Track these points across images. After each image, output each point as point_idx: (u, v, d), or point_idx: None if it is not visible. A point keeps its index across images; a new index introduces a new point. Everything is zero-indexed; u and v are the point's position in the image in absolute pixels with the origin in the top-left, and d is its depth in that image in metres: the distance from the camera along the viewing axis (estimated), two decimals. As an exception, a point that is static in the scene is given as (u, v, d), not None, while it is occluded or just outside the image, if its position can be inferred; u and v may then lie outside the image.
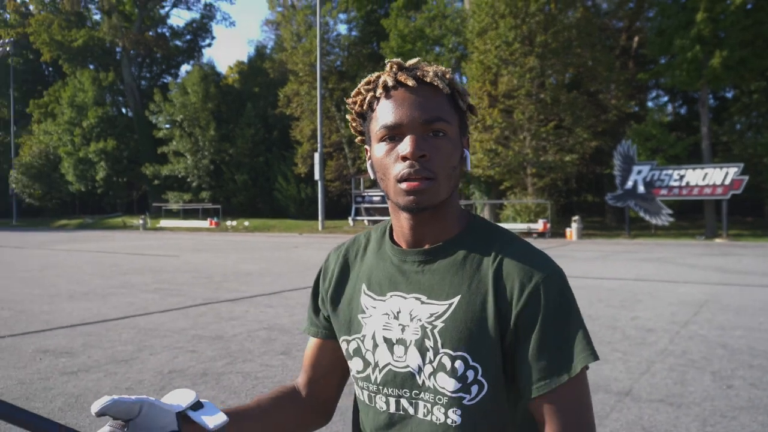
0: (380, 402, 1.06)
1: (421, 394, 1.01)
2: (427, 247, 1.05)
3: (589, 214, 35.71)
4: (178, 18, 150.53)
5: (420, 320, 1.01)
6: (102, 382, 4.72)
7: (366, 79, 1.07)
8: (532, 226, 27.64)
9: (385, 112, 1.00)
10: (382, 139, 1.00)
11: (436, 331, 0.99)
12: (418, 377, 1.01)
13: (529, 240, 23.36)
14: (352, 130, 1.13)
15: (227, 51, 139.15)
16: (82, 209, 55.40)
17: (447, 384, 0.98)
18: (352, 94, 1.09)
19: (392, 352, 1.03)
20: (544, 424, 0.95)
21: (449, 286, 1.01)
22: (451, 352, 0.98)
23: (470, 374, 0.97)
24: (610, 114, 29.40)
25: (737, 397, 4.37)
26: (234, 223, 38.85)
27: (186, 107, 43.67)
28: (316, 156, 34.68)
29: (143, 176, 47.04)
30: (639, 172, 27.00)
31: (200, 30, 55.72)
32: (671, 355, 5.62)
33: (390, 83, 1.01)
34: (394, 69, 1.03)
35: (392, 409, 1.04)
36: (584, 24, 28.58)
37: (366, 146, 1.10)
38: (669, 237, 26.11)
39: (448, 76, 1.03)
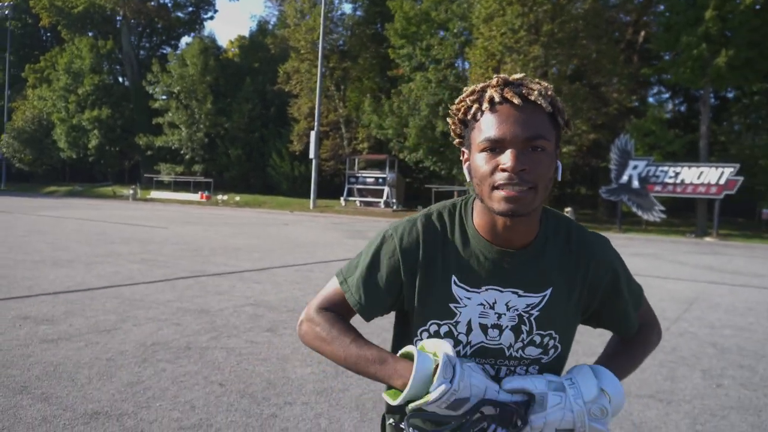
0: None
1: (506, 362, 1.21)
2: (519, 247, 1.19)
3: (581, 206, 35.71)
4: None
5: (517, 310, 1.20)
6: (82, 352, 4.61)
7: (471, 89, 1.17)
8: (526, 216, 27.60)
9: (490, 126, 1.10)
10: (483, 150, 1.11)
11: (532, 318, 1.20)
12: (506, 351, 1.21)
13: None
14: (452, 133, 1.24)
15: (229, 25, 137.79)
16: (72, 177, 54.97)
17: (533, 352, 1.22)
18: (457, 101, 1.19)
19: (486, 334, 1.20)
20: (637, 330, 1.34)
21: (541, 280, 1.20)
22: (542, 332, 1.21)
23: (551, 342, 1.23)
24: (610, 107, 29.28)
25: (727, 397, 4.32)
26: (225, 197, 38.67)
27: (184, 79, 43.23)
28: (312, 134, 34.47)
29: (136, 146, 46.67)
30: (635, 167, 26.97)
31: (202, 2, 55.04)
32: (661, 352, 5.56)
33: (497, 98, 1.10)
34: (500, 84, 1.12)
35: None
36: (592, 16, 28.35)
37: (464, 149, 1.20)
38: (659, 233, 26.16)
39: (550, 93, 1.13)
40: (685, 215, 30.71)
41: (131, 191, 40.93)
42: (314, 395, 3.92)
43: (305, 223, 23.14)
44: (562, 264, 1.22)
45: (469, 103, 1.15)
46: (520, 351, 1.21)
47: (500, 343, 1.20)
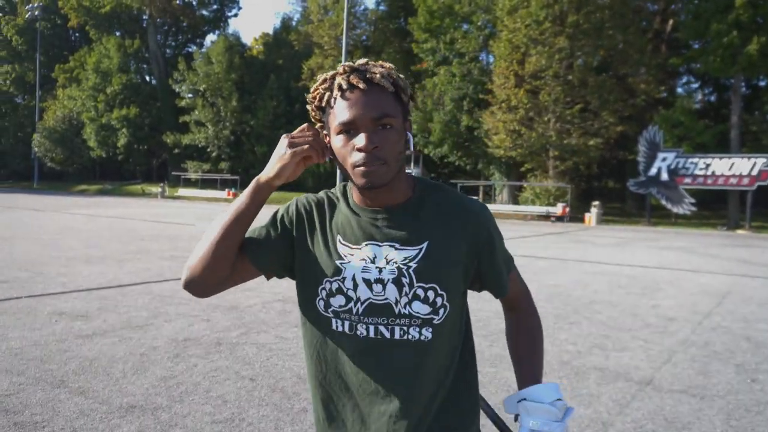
0: (361, 329, 1.29)
1: (397, 320, 1.27)
2: (391, 205, 1.30)
3: (609, 199, 35.24)
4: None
5: (396, 263, 1.27)
6: (117, 347, 4.70)
7: (322, 78, 1.28)
8: (551, 209, 27.37)
9: (341, 111, 1.22)
10: (339, 133, 1.23)
11: (411, 270, 1.27)
12: (395, 307, 1.27)
13: (547, 224, 23.31)
14: (312, 119, 1.34)
15: (253, 22, 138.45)
16: (102, 175, 55.83)
17: (421, 309, 1.27)
18: (312, 89, 1.30)
19: (371, 289, 1.28)
20: (508, 303, 1.51)
21: (417, 234, 1.29)
22: (424, 285, 1.27)
23: (438, 300, 1.28)
24: (638, 99, 28.77)
25: (762, 392, 4.24)
26: (252, 194, 38.89)
27: (209, 77, 43.58)
28: (337, 131, 34.49)
29: (164, 144, 47.19)
30: (664, 159, 26.53)
31: (227, 0, 55.41)
32: (693, 346, 5.49)
33: (344, 85, 1.22)
34: (347, 71, 1.24)
35: (371, 334, 1.28)
36: (618, 5, 27.84)
37: (324, 132, 1.31)
38: (690, 226, 25.70)
39: (392, 74, 1.25)
40: (716, 207, 30.11)
41: (159, 189, 41.44)
42: (344, 390, 3.94)
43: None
44: (440, 221, 1.31)
45: (322, 91, 1.27)
46: (408, 307, 1.27)
47: (386, 298, 1.27)
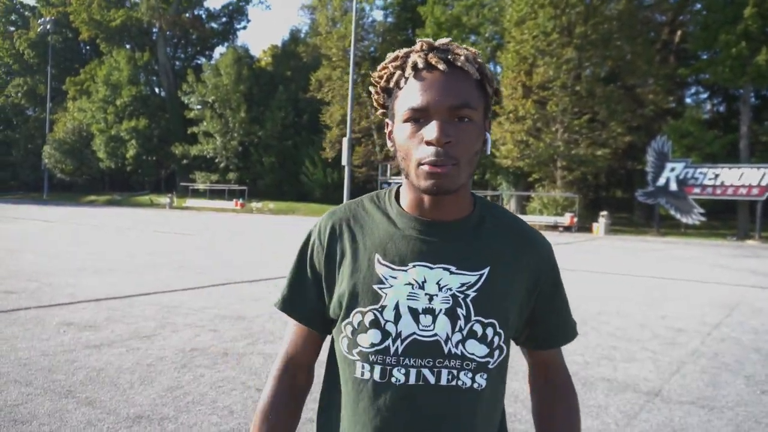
0: (398, 374, 1.04)
1: (446, 362, 1.03)
2: (448, 220, 1.08)
3: (617, 209, 35.11)
4: (215, 0, 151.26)
5: (450, 290, 1.04)
6: (124, 357, 4.71)
7: (394, 55, 1.07)
8: (559, 219, 27.29)
9: (413, 94, 1.00)
10: (407, 120, 1.01)
11: (468, 300, 1.04)
12: (444, 346, 1.03)
13: (555, 234, 23.18)
14: (375, 103, 1.12)
15: (262, 35, 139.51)
16: (111, 186, 56.21)
17: (477, 350, 1.04)
18: (379, 68, 1.09)
19: (418, 322, 1.03)
20: (546, 366, 1.22)
21: (478, 258, 1.07)
22: (483, 320, 1.04)
23: (496, 340, 1.06)
24: (646, 109, 28.78)
25: (773, 404, 4.20)
26: (259, 204, 39.08)
27: (218, 89, 43.92)
28: (345, 141, 34.59)
29: (172, 155, 47.52)
30: (672, 169, 26.45)
31: (236, 13, 55.93)
32: (702, 357, 5.44)
33: (420, 64, 1.01)
34: (424, 49, 1.04)
35: (412, 380, 1.03)
36: (626, 16, 27.92)
37: (387, 120, 1.10)
38: (699, 236, 25.56)
39: (479, 60, 1.04)
40: (726, 218, 29.94)
41: (168, 200, 41.66)
42: (350, 401, 3.93)
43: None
44: (502, 245, 1.10)
45: (392, 69, 1.06)
46: (460, 346, 1.03)
47: (435, 334, 1.03)
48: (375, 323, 1.04)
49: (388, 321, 1.04)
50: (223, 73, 44.08)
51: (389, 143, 1.09)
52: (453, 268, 1.05)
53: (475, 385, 1.05)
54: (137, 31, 53.70)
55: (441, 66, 1.00)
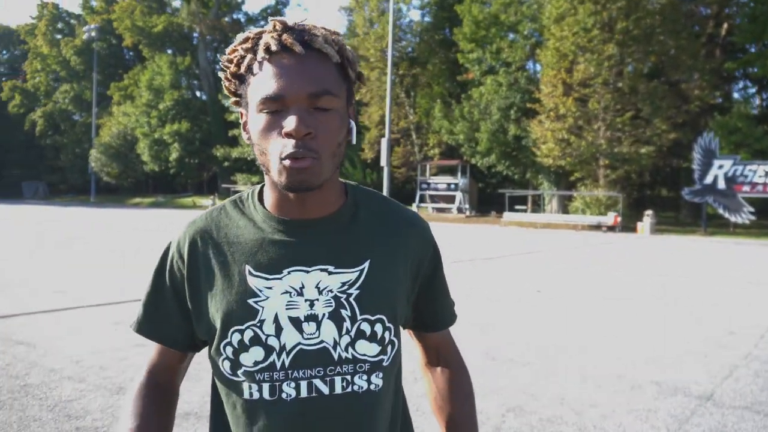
0: (288, 389, 0.96)
1: (338, 368, 0.97)
2: (318, 217, 1.00)
3: (662, 208, 34.33)
4: (254, 4, 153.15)
5: (332, 291, 0.97)
6: (171, 355, 4.80)
7: (244, 36, 0.96)
8: (602, 219, 26.80)
9: (266, 81, 0.90)
10: (261, 111, 0.92)
11: (351, 299, 0.98)
12: (333, 352, 0.96)
13: (598, 234, 22.74)
14: (226, 91, 1.00)
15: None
16: (155, 188, 57.51)
17: (368, 350, 0.98)
18: (228, 50, 0.98)
19: (302, 331, 0.96)
20: (436, 349, 1.19)
21: (355, 252, 1.00)
22: (370, 317, 0.98)
23: (386, 336, 1.00)
24: (691, 105, 28.01)
25: (834, 409, 4.03)
26: (300, 206, 39.38)
27: (257, 91, 44.52)
28: (384, 142, 34.65)
29: (214, 158, 48.31)
30: (720, 167, 25.71)
31: (274, 15, 56.43)
32: (756, 360, 5.26)
33: (273, 47, 0.91)
34: (278, 29, 0.93)
35: (303, 393, 0.96)
36: (669, 10, 27.26)
37: (241, 110, 1.00)
38: (749, 236, 24.77)
39: (338, 41, 0.95)
40: (777, 216, 28.99)
41: (210, 201, 42.38)
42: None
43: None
44: (380, 234, 1.03)
45: (242, 52, 0.94)
46: (350, 349, 0.97)
47: (322, 341, 0.96)
48: (255, 340, 0.96)
49: (270, 335, 0.96)
50: (263, 75, 44.66)
51: (245, 135, 0.99)
52: (331, 268, 0.98)
53: (372, 386, 0.99)
54: (178, 36, 54.79)
55: (297, 48, 0.90)
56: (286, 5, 56.34)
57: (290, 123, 0.88)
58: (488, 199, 38.57)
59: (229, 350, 0.97)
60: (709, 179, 25.96)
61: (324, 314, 0.96)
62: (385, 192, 34.86)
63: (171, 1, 56.42)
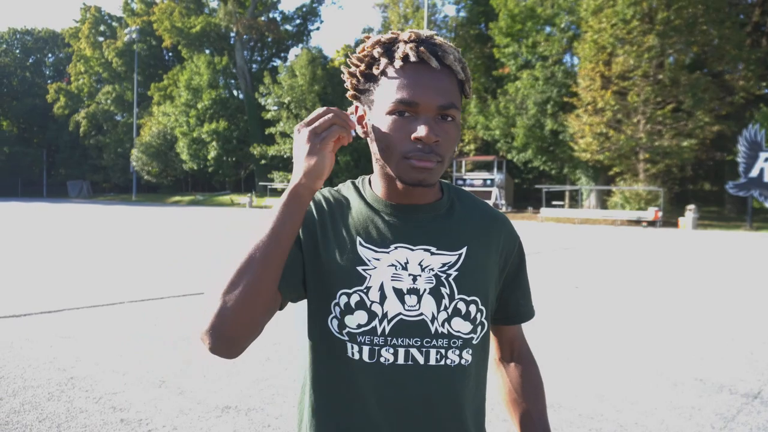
0: (387, 354, 1.04)
1: (433, 341, 1.05)
2: (425, 203, 1.11)
3: (705, 203, 33.49)
4: (289, 3, 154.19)
5: (433, 270, 1.06)
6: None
7: (375, 39, 1.07)
8: (642, 214, 26.28)
9: (402, 87, 1.00)
10: (392, 112, 1.01)
11: (451, 279, 1.07)
12: (430, 325, 1.05)
13: (638, 229, 22.38)
14: (348, 86, 1.11)
15: (335, 34, 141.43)
16: (194, 186, 58.52)
17: (462, 327, 1.06)
18: (359, 50, 1.08)
19: (403, 302, 1.05)
20: (511, 343, 1.27)
21: (454, 238, 1.10)
22: (466, 298, 1.07)
23: (478, 317, 1.09)
24: (736, 96, 27.20)
25: None
26: (336, 203, 39.59)
27: (293, 89, 44.83)
28: (419, 138, 34.56)
29: (251, 156, 48.88)
30: (767, 159, 24.93)
31: (309, 14, 56.91)
32: (807, 358, 5.10)
33: (412, 57, 1.00)
34: (414, 40, 1.03)
35: (401, 360, 1.04)
36: (712, -1, 26.53)
37: (359, 104, 1.10)
38: (799, 231, 23.99)
39: (461, 59, 1.06)
40: (827, 210, 28.00)
41: (247, 199, 42.92)
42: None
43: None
44: (474, 227, 1.13)
45: (376, 55, 1.04)
46: (446, 325, 1.05)
47: (421, 313, 1.04)
48: (360, 304, 1.04)
49: (374, 302, 1.04)
50: (298, 74, 44.95)
51: (359, 129, 1.09)
52: (433, 249, 1.08)
53: (463, 361, 1.07)
54: (216, 37, 55.55)
55: (433, 63, 1.00)
56: (321, 2, 56.62)
57: (422, 130, 0.98)
58: (525, 194, 38.17)
59: (337, 310, 1.05)
60: (754, 172, 25.20)
61: (425, 289, 1.05)
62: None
63: (208, 1, 57.23)
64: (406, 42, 1.03)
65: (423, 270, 1.06)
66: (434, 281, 1.06)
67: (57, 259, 10.70)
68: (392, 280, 1.05)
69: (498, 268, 1.15)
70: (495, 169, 35.76)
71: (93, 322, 5.82)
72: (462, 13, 41.35)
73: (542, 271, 10.40)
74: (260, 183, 48.99)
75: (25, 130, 72.19)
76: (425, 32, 1.05)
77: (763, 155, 25.00)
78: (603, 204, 30.29)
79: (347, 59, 1.10)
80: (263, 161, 48.26)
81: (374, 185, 1.13)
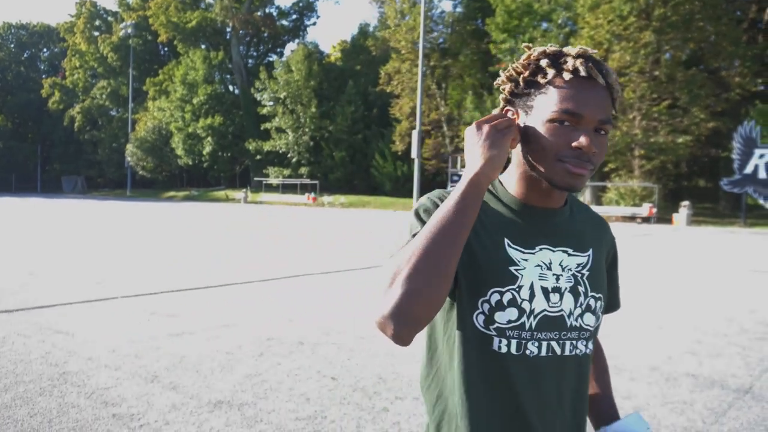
0: (532, 347, 1.12)
1: (569, 334, 1.15)
2: (558, 208, 1.20)
3: (700, 199, 33.55)
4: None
5: (570, 270, 1.16)
6: (205, 345, 4.87)
7: (541, 50, 1.13)
8: (637, 210, 26.35)
9: (569, 98, 1.07)
10: (554, 120, 1.07)
11: (585, 278, 1.17)
12: (567, 320, 1.14)
13: (632, 225, 22.42)
14: (506, 89, 1.17)
15: (331, 30, 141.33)
16: (188, 182, 58.41)
17: (591, 321, 1.18)
18: (523, 59, 1.15)
19: (548, 300, 1.13)
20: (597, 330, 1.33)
21: (583, 241, 1.21)
22: (595, 295, 1.18)
23: (599, 311, 1.20)
24: (731, 93, 27.23)
25: None
26: (331, 198, 39.60)
27: (289, 85, 44.75)
28: (414, 134, 34.57)
29: (246, 151, 48.83)
30: (761, 156, 25.03)
31: (306, 9, 56.78)
32: (799, 353, 5.12)
33: (582, 72, 1.07)
34: (582, 55, 1.10)
35: (543, 352, 1.13)
36: (709, -5, 26.53)
37: (510, 107, 1.17)
38: (793, 227, 24.08)
39: (617, 79, 1.12)
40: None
41: (242, 194, 42.87)
42: (425, 391, 3.92)
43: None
44: (592, 229, 1.25)
45: (543, 66, 1.11)
46: (579, 319, 1.16)
47: (561, 310, 1.14)
48: (512, 302, 1.11)
49: (524, 300, 1.12)
50: (294, 69, 44.87)
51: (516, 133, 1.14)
52: (570, 251, 1.18)
53: (588, 351, 1.19)
54: (212, 31, 55.38)
55: (600, 80, 1.08)
56: (317, -2, 56.46)
57: (585, 140, 1.05)
58: (520, 190, 38.13)
59: (485, 307, 1.12)
60: (749, 169, 25.29)
61: (566, 288, 1.15)
62: (415, 184, 34.87)
63: (204, -4, 57.05)
64: (574, 57, 1.10)
65: (563, 270, 1.16)
66: (573, 280, 1.16)
67: (50, 254, 10.67)
68: (539, 279, 1.13)
69: (606, 265, 1.27)
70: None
71: (86, 317, 5.80)
72: (459, 9, 41.32)
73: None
74: (255, 178, 48.93)
75: (19, 125, 71.95)
76: (590, 50, 1.12)
77: (757, 152, 25.07)
78: (598, 200, 30.35)
79: (510, 65, 1.16)
80: (258, 157, 48.19)
81: (508, 186, 1.20)
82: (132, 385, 3.86)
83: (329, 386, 3.97)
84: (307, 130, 44.59)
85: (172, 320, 5.72)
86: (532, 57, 1.14)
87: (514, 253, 1.13)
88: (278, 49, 58.79)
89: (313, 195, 41.16)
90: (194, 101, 50.24)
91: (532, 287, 1.12)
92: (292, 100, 45.08)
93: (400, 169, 40.87)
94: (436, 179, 41.58)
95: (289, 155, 45.92)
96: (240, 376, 4.11)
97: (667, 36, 26.44)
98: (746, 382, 4.33)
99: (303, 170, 45.62)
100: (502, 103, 1.19)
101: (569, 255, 1.17)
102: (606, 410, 1.33)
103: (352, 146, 44.26)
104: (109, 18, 64.38)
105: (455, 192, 1.04)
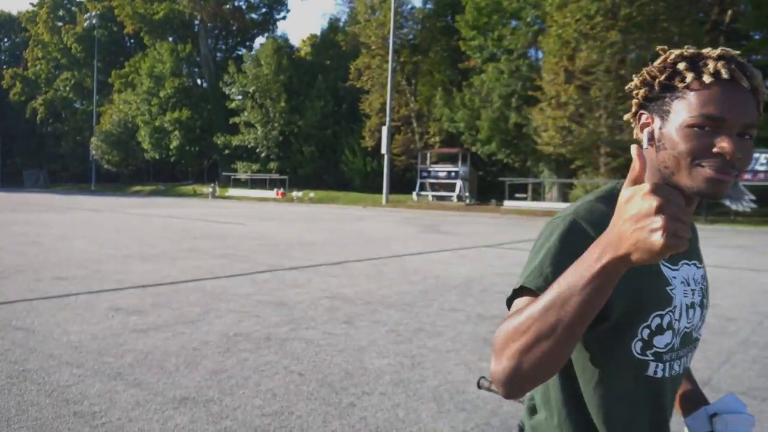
0: (677, 367, 1.11)
1: (691, 347, 1.14)
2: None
3: (664, 197, 34.18)
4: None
5: (698, 283, 1.14)
6: (170, 341, 4.81)
7: (678, 53, 1.05)
8: (604, 207, 26.76)
9: (711, 102, 0.99)
10: (693, 125, 1.00)
11: (705, 290, 1.17)
12: (693, 334, 1.13)
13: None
14: (639, 93, 1.09)
15: (301, 24, 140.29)
16: (155, 176, 57.51)
17: (703, 332, 1.17)
18: (660, 62, 1.07)
19: (688, 316, 1.11)
20: None
21: (698, 251, 1.20)
22: (707, 305, 1.18)
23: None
24: (693, 93, 27.84)
25: (831, 395, 4.04)
26: (300, 194, 39.40)
27: (258, 79, 44.34)
28: (384, 129, 34.64)
29: (214, 146, 48.26)
30: (722, 155, 25.62)
31: (275, 3, 56.25)
32: (754, 347, 5.27)
33: (725, 74, 0.99)
34: (724, 57, 1.02)
35: (678, 369, 1.12)
36: (673, -4, 27.07)
37: (644, 111, 1.09)
38: (750, 224, 24.73)
39: (764, 81, 1.06)
40: (779, 205, 28.90)
41: (210, 189, 42.38)
42: (391, 386, 3.94)
43: (378, 219, 23.27)
44: (694, 238, 1.22)
45: (681, 69, 1.03)
46: (698, 332, 1.15)
47: (693, 325, 1.12)
48: (669, 324, 1.07)
49: (676, 320, 1.08)
50: (264, 63, 44.46)
51: (644, 135, 1.06)
52: (697, 263, 1.16)
53: (691, 362, 1.18)
54: (179, 24, 54.54)
55: (744, 83, 1.00)
56: (287, -8, 55.99)
57: (729, 145, 0.97)
58: (488, 187, 38.47)
59: (645, 332, 1.06)
60: (710, 167, 25.87)
61: (697, 302, 1.13)
62: (384, 180, 34.93)
63: (171, -13, 56.10)
64: (715, 59, 1.02)
65: (695, 284, 1.14)
66: (701, 295, 1.15)
67: (10, 249, 10.41)
68: (684, 296, 1.10)
69: None
70: (459, 162, 35.99)
71: (49, 313, 5.68)
72: (429, 5, 41.39)
73: (507, 263, 10.52)
74: (223, 173, 48.42)
75: (-22, 117, 69.96)
76: (733, 51, 1.04)
77: (719, 151, 25.66)
78: (565, 197, 30.77)
79: (647, 71, 1.08)
80: (227, 151, 47.70)
81: None
82: (95, 383, 3.79)
83: (296, 382, 3.96)
84: (276, 124, 44.25)
85: (136, 317, 5.63)
86: (668, 60, 1.07)
87: (666, 271, 1.08)
88: (247, 43, 58.19)
89: (281, 190, 40.89)
90: (161, 94, 49.45)
91: (681, 306, 1.09)
92: (261, 94, 44.68)
93: (370, 164, 40.85)
94: (405, 175, 41.68)
95: (257, 150, 45.53)
96: (205, 372, 4.07)
97: (632, 36, 26.90)
98: (705, 374, 4.44)
99: (272, 165, 45.27)
100: (634, 108, 1.12)
101: (697, 267, 1.15)
102: (695, 391, 1.29)
103: (321, 141, 44.07)
104: (73, 8, 62.93)
105: (584, 267, 0.81)
